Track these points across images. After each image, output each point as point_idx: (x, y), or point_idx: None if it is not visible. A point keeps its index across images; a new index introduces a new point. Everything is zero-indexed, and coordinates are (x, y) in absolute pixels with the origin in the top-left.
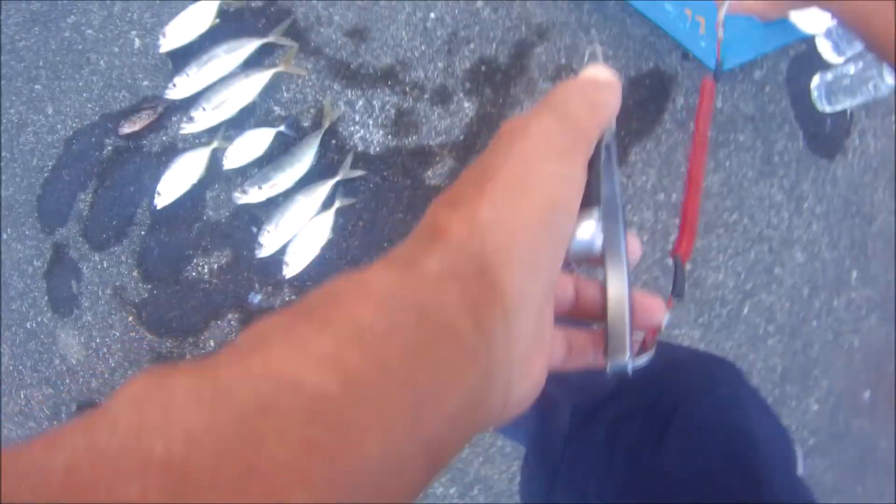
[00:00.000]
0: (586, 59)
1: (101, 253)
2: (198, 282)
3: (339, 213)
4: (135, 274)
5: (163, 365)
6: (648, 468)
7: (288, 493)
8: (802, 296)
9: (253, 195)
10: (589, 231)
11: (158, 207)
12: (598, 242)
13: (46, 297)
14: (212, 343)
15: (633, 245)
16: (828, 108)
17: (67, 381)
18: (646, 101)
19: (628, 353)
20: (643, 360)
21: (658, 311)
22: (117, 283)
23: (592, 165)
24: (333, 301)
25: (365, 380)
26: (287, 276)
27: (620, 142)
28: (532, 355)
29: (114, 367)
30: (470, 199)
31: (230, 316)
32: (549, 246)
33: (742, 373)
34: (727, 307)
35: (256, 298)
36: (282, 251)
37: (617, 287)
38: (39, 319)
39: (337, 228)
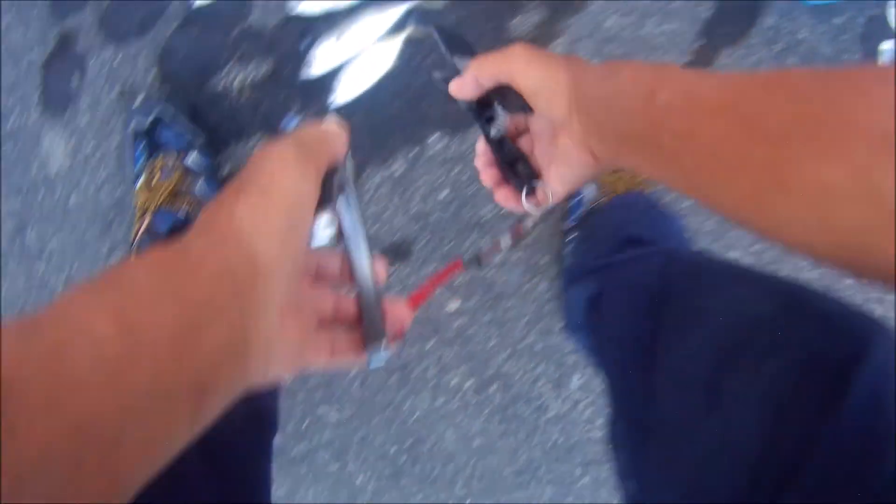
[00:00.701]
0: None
1: (116, 46)
2: (225, 95)
3: (408, 43)
4: (151, 76)
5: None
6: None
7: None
8: None
9: (310, 5)
10: (325, 220)
11: (195, 6)
12: (333, 230)
13: (39, 92)
14: (227, 168)
15: (379, 266)
16: None
17: (41, 193)
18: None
19: (383, 340)
20: (393, 348)
21: (404, 316)
22: (128, 83)
23: (326, 183)
24: (122, 267)
25: (139, 326)
26: (333, 104)
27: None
28: (287, 316)
29: (102, 181)
30: (231, 202)
31: (256, 139)
32: (293, 229)
33: None
34: None
35: (292, 123)
36: (333, 74)
37: (363, 278)
38: (25, 118)
39: (402, 59)
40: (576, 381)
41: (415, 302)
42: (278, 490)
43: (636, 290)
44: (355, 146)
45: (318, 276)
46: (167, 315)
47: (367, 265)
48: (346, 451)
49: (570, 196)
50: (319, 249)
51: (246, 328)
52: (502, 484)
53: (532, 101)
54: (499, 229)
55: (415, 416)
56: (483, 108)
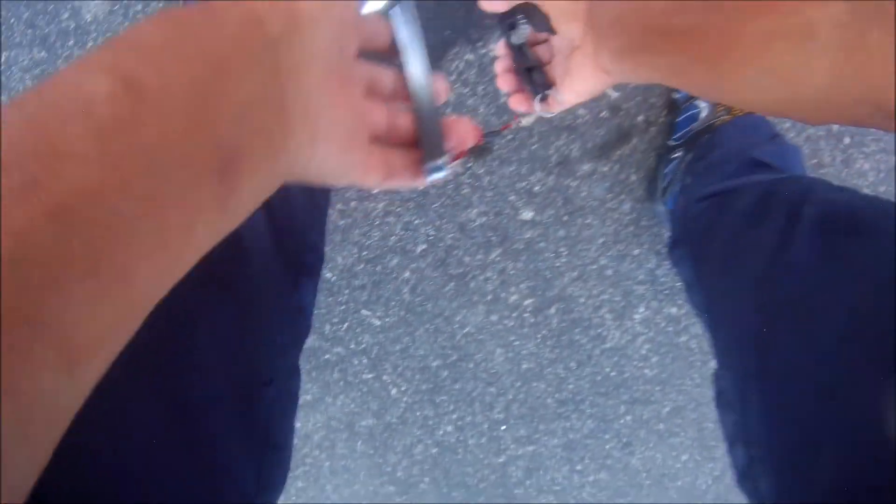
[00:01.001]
0: None
1: None
2: None
3: None
4: None
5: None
6: None
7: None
8: None
9: None
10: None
11: None
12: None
13: None
14: None
15: (440, 82)
16: None
17: (71, 43)
18: None
19: (444, 157)
20: (457, 166)
21: (468, 134)
22: None
23: None
24: (133, 26)
25: (145, 85)
26: None
27: None
28: (334, 86)
29: None
30: None
31: None
32: None
33: None
34: None
35: None
36: None
37: (420, 90)
38: None
39: None
40: (640, 313)
41: None
42: (303, 396)
43: (778, 217)
44: (444, 15)
45: (369, 92)
46: (181, 72)
47: (426, 77)
48: (384, 361)
49: (677, 111)
50: (369, 21)
51: (281, 88)
52: (543, 412)
53: (553, 24)
54: (591, 135)
55: (465, 331)
56: (508, 15)
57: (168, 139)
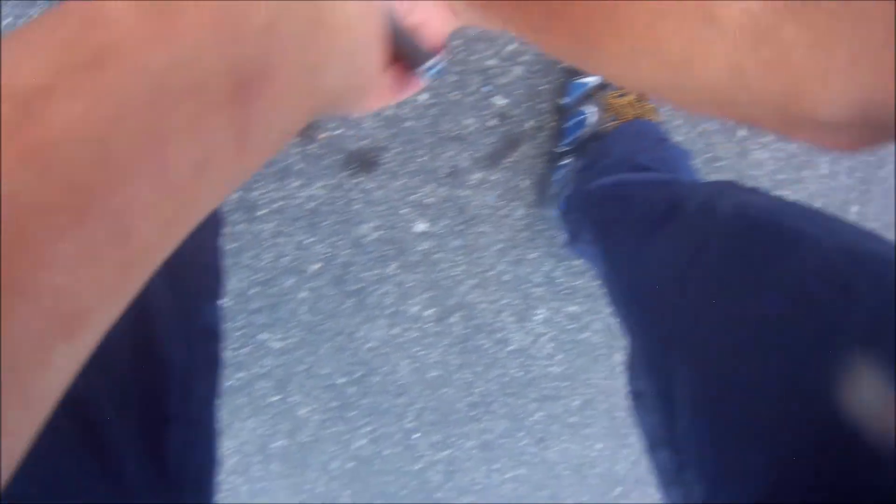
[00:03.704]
0: None
1: None
2: None
3: None
4: None
5: None
6: None
7: None
8: None
9: None
10: None
11: None
12: None
13: None
14: None
15: None
16: None
17: None
18: None
19: (431, 59)
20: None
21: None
22: None
23: None
24: None
25: None
26: None
27: None
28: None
29: None
30: None
31: None
32: None
33: None
34: None
35: None
36: None
37: None
38: None
39: None
40: (540, 314)
41: None
42: None
43: (693, 215)
44: None
45: None
46: None
47: None
48: (289, 382)
49: (566, 116)
50: None
51: None
52: (454, 417)
53: None
54: (480, 144)
55: (368, 346)
56: None
57: (174, 56)
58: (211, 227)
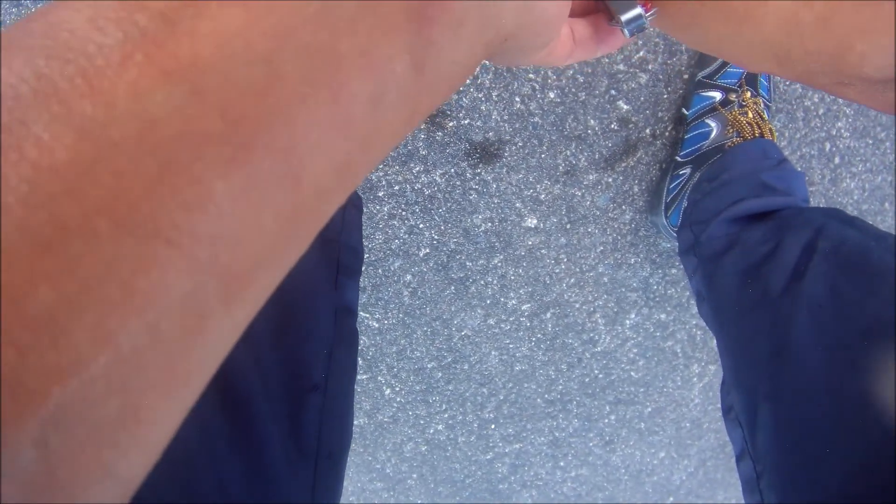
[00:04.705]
0: None
1: None
2: None
3: None
4: None
5: None
6: None
7: None
8: None
9: None
10: None
11: None
12: None
13: None
14: None
15: None
16: None
17: None
18: None
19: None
20: (651, 14)
21: None
22: None
23: None
24: None
25: None
26: None
27: None
28: None
29: None
30: None
31: None
32: None
33: None
34: None
35: None
36: None
37: None
38: None
39: None
40: (631, 319)
41: None
42: None
43: (794, 248)
44: None
45: None
46: None
47: None
48: (380, 362)
49: (687, 127)
50: None
51: None
52: (531, 412)
53: None
54: (599, 146)
55: (462, 333)
56: None
57: None
58: (356, 206)
